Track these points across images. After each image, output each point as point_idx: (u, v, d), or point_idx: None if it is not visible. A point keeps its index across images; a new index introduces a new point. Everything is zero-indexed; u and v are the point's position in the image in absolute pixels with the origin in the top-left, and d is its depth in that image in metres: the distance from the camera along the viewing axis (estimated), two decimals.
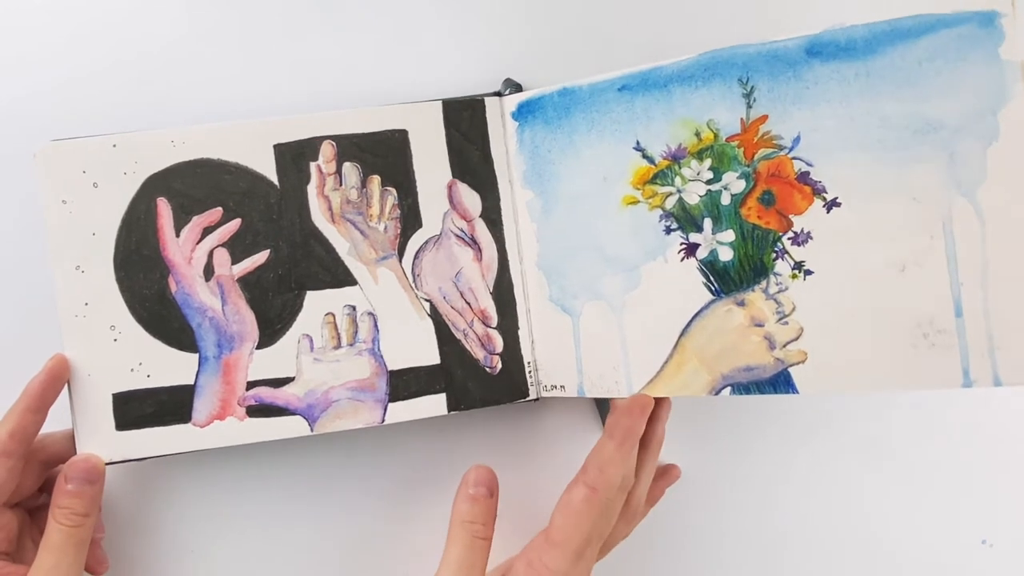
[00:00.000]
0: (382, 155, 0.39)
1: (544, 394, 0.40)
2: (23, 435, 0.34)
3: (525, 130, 0.40)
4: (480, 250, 0.40)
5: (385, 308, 0.39)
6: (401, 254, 0.39)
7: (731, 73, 0.34)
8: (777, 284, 0.34)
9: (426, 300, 0.40)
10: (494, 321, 0.40)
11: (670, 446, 0.44)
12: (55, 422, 0.36)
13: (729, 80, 0.34)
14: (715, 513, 0.45)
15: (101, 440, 0.36)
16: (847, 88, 0.32)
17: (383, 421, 0.39)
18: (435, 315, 0.40)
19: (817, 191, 0.33)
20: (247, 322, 0.38)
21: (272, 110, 0.42)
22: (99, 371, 0.37)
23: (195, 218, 0.38)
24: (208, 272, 0.38)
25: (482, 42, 0.44)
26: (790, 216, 0.34)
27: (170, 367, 0.37)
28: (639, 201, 0.37)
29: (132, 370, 0.37)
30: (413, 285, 0.39)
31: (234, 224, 0.38)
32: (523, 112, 0.40)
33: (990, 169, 0.30)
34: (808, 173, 0.33)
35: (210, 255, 0.38)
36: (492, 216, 0.40)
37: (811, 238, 0.33)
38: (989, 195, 0.30)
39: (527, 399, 0.40)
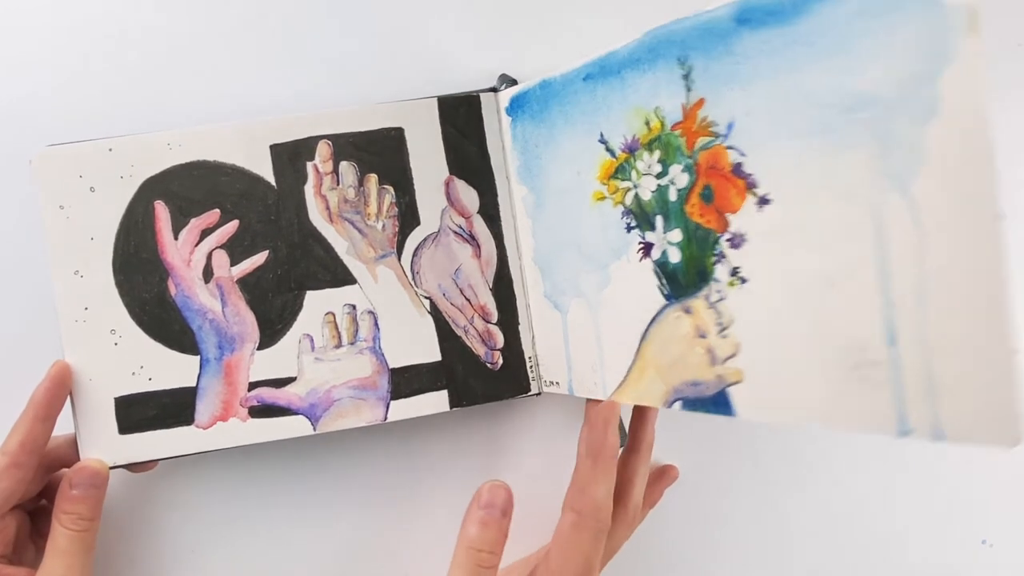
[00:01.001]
0: (379, 153, 0.39)
1: (545, 389, 0.40)
2: (33, 445, 0.34)
3: (517, 125, 0.40)
4: (479, 246, 0.40)
5: (385, 306, 0.39)
6: (400, 252, 0.39)
7: (671, 52, 0.30)
8: (718, 291, 0.30)
9: (426, 297, 0.40)
10: (494, 317, 0.40)
11: (669, 450, 0.44)
12: (56, 426, 0.36)
13: (670, 61, 0.30)
14: (714, 513, 0.45)
15: (104, 444, 0.36)
16: (776, 60, 0.26)
17: (385, 419, 0.39)
18: (435, 312, 0.40)
19: (749, 185, 0.28)
20: (247, 323, 0.38)
21: (268, 109, 0.42)
22: (100, 375, 0.37)
23: (193, 220, 0.38)
24: (207, 274, 0.38)
25: (477, 37, 0.44)
26: (726, 215, 0.29)
27: (171, 370, 0.37)
28: (605, 197, 0.35)
29: (133, 374, 0.37)
30: (412, 283, 0.39)
31: (232, 225, 0.38)
32: (515, 107, 0.39)
33: (927, 155, 0.22)
34: (741, 164, 0.28)
35: (209, 257, 0.38)
36: (490, 212, 0.40)
37: (745, 240, 0.28)
38: (927, 189, 0.23)
39: (529, 394, 0.40)
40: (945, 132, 0.22)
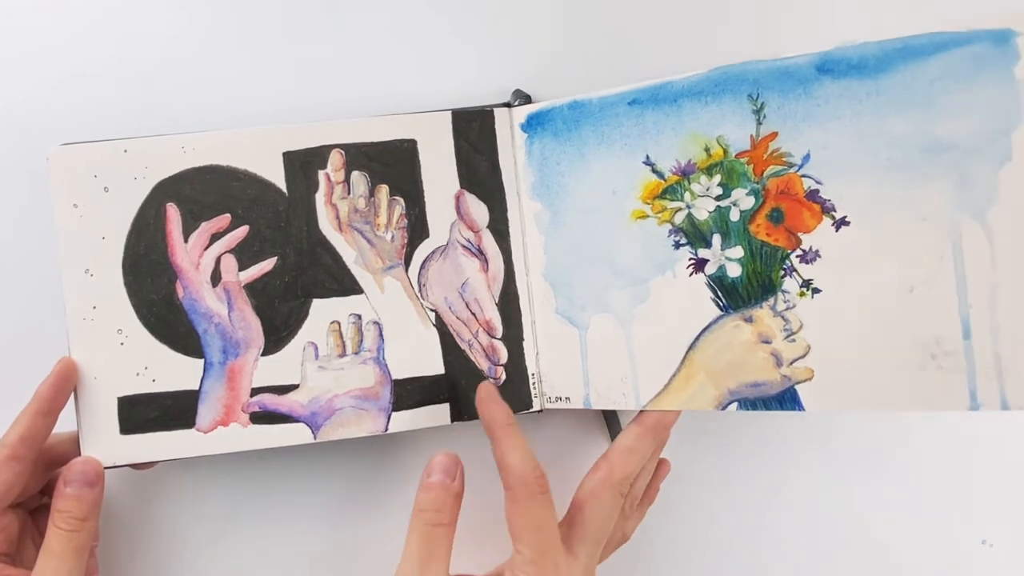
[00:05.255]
0: (391, 164, 0.39)
1: (548, 406, 0.40)
2: (33, 439, 0.34)
3: (534, 142, 0.40)
4: (486, 261, 0.40)
5: (390, 317, 0.39)
6: (408, 264, 0.39)
7: (741, 89, 0.34)
8: (785, 301, 0.34)
9: (431, 310, 0.39)
10: (499, 332, 0.40)
11: (668, 452, 0.44)
12: (59, 423, 0.36)
13: (739, 96, 0.34)
14: (713, 512, 0.44)
15: (105, 444, 0.37)
16: (857, 106, 0.32)
17: (386, 430, 0.38)
18: (440, 325, 0.39)
19: (826, 209, 0.33)
20: (253, 329, 0.38)
21: (281, 116, 0.42)
22: (105, 374, 0.37)
23: (204, 224, 0.38)
24: (215, 278, 0.38)
25: (492, 52, 0.44)
26: (799, 234, 0.34)
27: (175, 372, 0.37)
28: (648, 215, 0.37)
29: (138, 374, 0.37)
30: (419, 295, 0.39)
31: (242, 231, 0.38)
32: (532, 124, 0.40)
33: (1001, 191, 0.29)
34: (817, 191, 0.33)
35: (217, 261, 0.38)
36: (499, 227, 0.40)
37: (819, 256, 0.33)
38: (999, 217, 0.29)
39: (531, 411, 0.40)
40: (1016, 174, 0.29)
